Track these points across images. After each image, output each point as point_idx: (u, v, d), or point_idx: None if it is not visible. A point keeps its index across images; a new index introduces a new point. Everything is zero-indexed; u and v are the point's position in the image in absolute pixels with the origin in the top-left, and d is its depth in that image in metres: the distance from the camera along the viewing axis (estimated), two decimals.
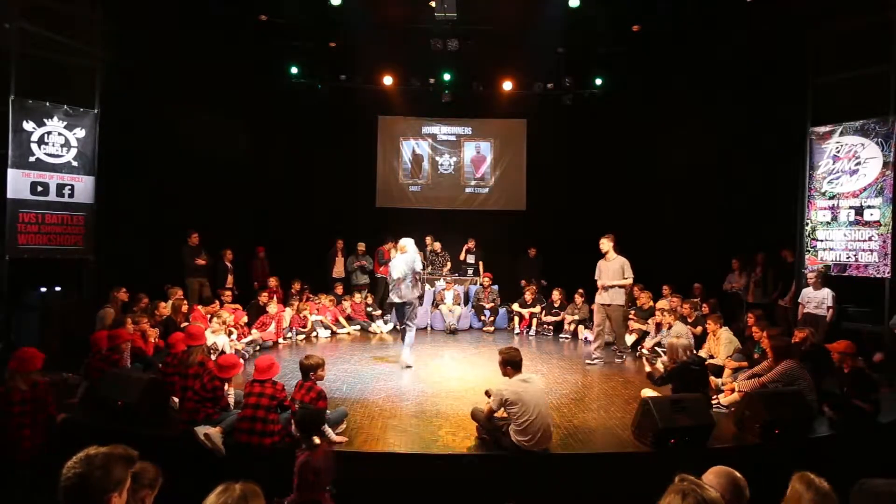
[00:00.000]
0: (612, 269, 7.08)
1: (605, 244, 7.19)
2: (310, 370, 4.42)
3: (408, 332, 6.79)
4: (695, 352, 5.66)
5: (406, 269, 6.63)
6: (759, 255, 8.77)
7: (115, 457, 1.73)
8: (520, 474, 4.11)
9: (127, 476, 1.74)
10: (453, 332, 9.34)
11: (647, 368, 5.50)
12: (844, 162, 7.60)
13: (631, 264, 7.13)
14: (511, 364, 4.27)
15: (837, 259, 7.61)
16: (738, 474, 2.19)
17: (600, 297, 7.25)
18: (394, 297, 6.78)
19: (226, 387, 4.60)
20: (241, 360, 6.54)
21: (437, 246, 10.67)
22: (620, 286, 7.09)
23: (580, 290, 9.18)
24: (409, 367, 6.64)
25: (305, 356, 4.51)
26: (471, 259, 10.72)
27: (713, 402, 5.16)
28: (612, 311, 7.17)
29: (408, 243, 6.82)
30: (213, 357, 5.89)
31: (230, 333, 7.13)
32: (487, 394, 4.47)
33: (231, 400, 4.73)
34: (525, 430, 4.05)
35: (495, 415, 4.25)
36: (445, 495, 4.03)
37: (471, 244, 10.76)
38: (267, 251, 10.10)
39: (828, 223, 7.75)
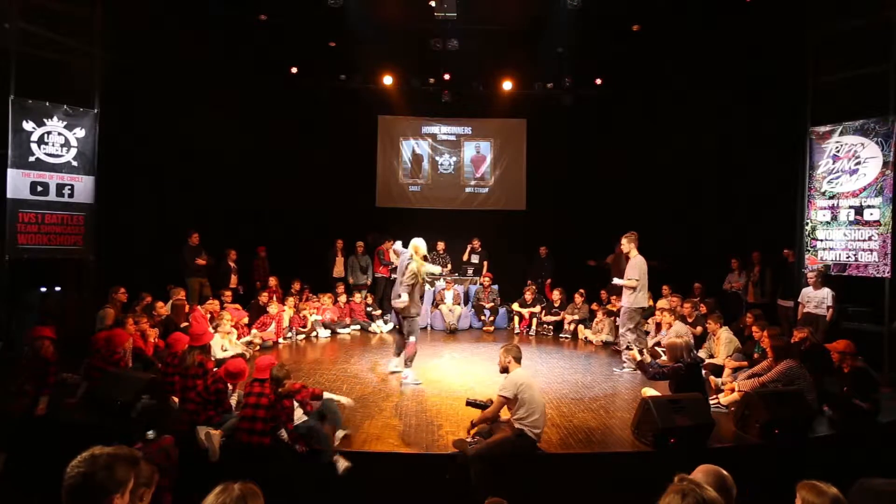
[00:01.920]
0: (625, 270, 6.97)
1: (625, 244, 7.01)
2: (280, 383, 4.16)
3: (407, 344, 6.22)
4: (695, 352, 5.62)
5: (400, 270, 6.20)
6: (754, 254, 8.77)
7: (119, 457, 1.73)
8: (520, 474, 4.11)
9: (130, 477, 1.74)
10: (453, 331, 9.34)
11: (638, 357, 5.37)
12: (844, 162, 7.60)
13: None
14: (515, 358, 4.37)
15: (837, 259, 7.61)
16: (725, 472, 2.17)
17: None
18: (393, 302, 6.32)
19: (229, 388, 4.59)
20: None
21: (441, 246, 10.66)
22: (623, 286, 6.90)
23: (581, 290, 9.18)
24: (417, 384, 6.09)
25: (279, 366, 4.28)
26: (475, 259, 10.71)
27: (712, 402, 5.15)
28: (621, 312, 7.06)
29: (418, 244, 6.29)
30: (213, 358, 5.89)
31: (227, 333, 7.12)
32: (472, 403, 4.45)
33: (233, 401, 4.73)
34: (536, 422, 4.12)
35: (500, 416, 4.28)
36: (445, 495, 4.03)
37: (475, 244, 10.75)
38: (268, 251, 10.10)
39: (828, 223, 7.75)
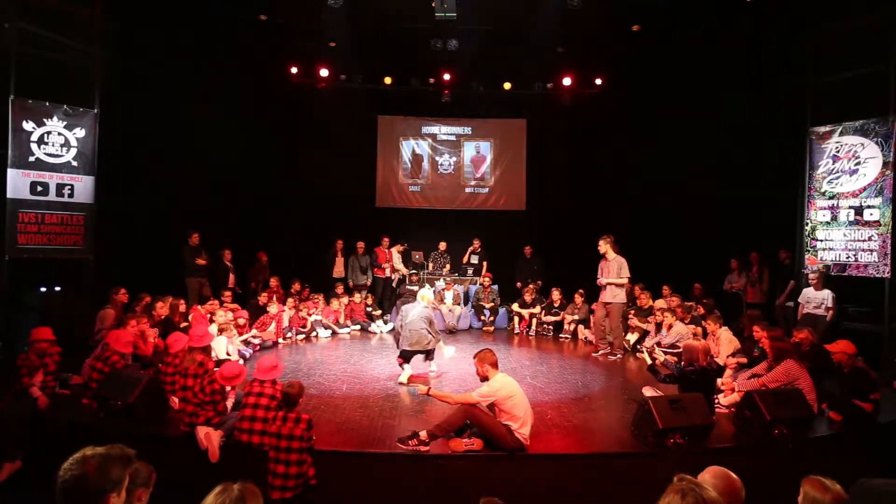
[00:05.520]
0: (612, 269, 7.39)
1: (603, 245, 7.48)
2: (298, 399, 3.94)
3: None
4: (713, 359, 5.58)
5: (421, 322, 6.21)
6: (753, 255, 8.77)
7: (112, 457, 1.72)
8: (519, 474, 4.11)
9: (125, 476, 1.73)
10: (453, 332, 9.33)
11: (649, 361, 5.40)
12: (844, 162, 7.60)
13: (630, 264, 7.33)
14: (491, 364, 4.37)
15: (837, 259, 7.60)
16: (734, 475, 2.18)
17: (602, 296, 7.58)
18: (415, 344, 6.15)
19: (226, 390, 4.57)
20: (243, 360, 6.57)
21: (443, 246, 10.66)
22: (617, 285, 7.35)
23: (580, 290, 9.17)
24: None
25: (289, 384, 4.00)
26: (475, 259, 10.69)
27: (715, 404, 5.14)
28: (611, 309, 7.50)
29: (426, 294, 6.51)
30: (215, 358, 5.88)
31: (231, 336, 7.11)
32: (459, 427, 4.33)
33: (230, 402, 4.71)
34: (524, 424, 4.11)
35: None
36: (444, 495, 4.02)
37: (476, 245, 10.74)
38: (269, 257, 10.02)
39: (827, 223, 7.74)
